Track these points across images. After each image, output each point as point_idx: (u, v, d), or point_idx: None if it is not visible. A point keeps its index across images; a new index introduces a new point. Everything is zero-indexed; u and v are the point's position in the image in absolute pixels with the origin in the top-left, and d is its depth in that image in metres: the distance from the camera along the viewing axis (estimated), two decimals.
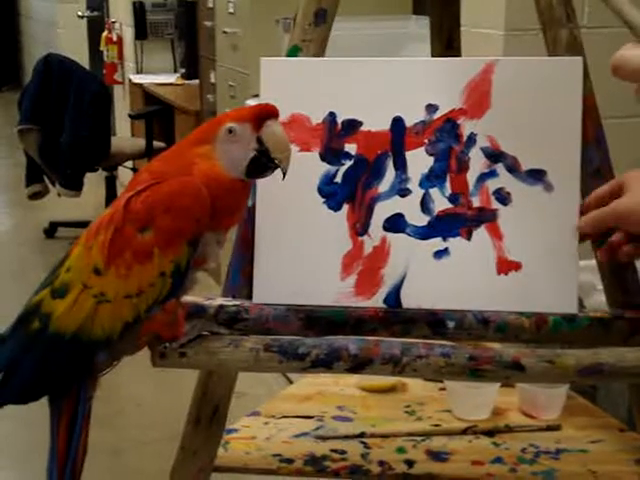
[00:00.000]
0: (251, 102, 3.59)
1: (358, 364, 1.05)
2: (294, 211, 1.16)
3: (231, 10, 3.87)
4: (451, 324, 1.13)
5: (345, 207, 1.15)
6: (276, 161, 1.03)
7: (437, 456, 1.41)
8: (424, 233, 1.14)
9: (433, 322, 1.13)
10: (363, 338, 1.07)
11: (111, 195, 5.04)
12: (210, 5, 4.19)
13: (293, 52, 1.23)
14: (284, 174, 1.05)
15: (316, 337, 1.08)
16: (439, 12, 1.51)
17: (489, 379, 1.06)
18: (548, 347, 1.07)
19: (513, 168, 1.13)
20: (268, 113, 1.04)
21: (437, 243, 1.13)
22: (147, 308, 1.01)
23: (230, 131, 1.02)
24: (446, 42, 1.52)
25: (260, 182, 1.14)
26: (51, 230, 5.08)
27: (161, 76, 5.61)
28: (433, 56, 1.53)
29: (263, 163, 1.04)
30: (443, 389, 1.59)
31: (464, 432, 1.48)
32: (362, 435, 1.46)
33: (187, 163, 1.03)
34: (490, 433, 1.48)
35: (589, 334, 1.12)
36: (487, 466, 1.38)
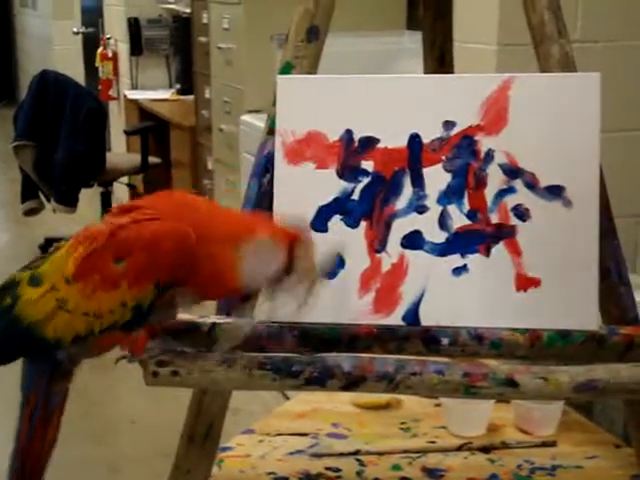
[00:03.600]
0: (246, 118, 3.59)
1: (352, 382, 1.04)
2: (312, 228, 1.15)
3: (225, 26, 3.87)
4: (445, 341, 1.12)
5: (362, 224, 1.15)
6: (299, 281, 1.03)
7: (433, 473, 1.40)
8: (442, 250, 1.13)
9: (427, 339, 1.13)
10: (356, 355, 1.07)
11: (106, 211, 5.02)
12: (205, 21, 4.20)
13: (286, 69, 1.24)
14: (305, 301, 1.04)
15: (310, 355, 1.07)
16: (431, 27, 1.52)
17: (483, 396, 1.05)
18: (543, 364, 1.07)
19: (531, 184, 1.12)
20: (302, 237, 1.03)
21: (455, 260, 1.13)
22: (102, 330, 1.02)
23: (261, 249, 1.01)
24: (438, 57, 1.52)
25: (277, 199, 1.15)
26: (46, 246, 5.05)
27: (156, 92, 5.61)
28: (426, 72, 1.53)
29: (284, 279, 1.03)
30: (438, 405, 1.59)
31: (459, 449, 1.47)
32: (357, 452, 1.45)
33: (205, 253, 1.00)
34: (485, 449, 1.47)
35: (584, 350, 1.12)
36: None
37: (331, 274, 1.14)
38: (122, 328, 1.02)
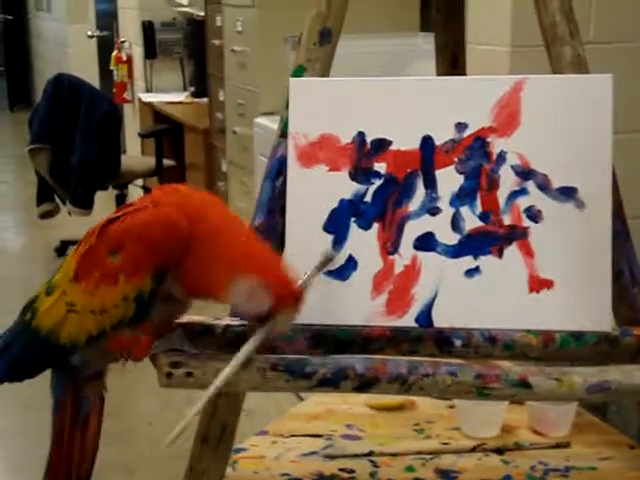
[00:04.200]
0: (260, 120, 3.60)
1: (365, 383, 1.05)
2: (324, 230, 1.16)
3: (239, 29, 3.89)
4: (458, 342, 1.12)
5: (375, 226, 1.15)
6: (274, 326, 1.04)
7: (446, 474, 1.40)
8: (455, 252, 1.13)
9: (440, 340, 1.13)
10: (369, 357, 1.07)
11: None
12: (218, 24, 4.21)
13: (298, 72, 1.24)
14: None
15: (323, 356, 1.08)
16: (443, 29, 1.52)
17: (496, 397, 1.05)
18: (556, 365, 1.07)
19: (544, 186, 1.12)
20: (294, 301, 1.02)
21: (468, 261, 1.13)
22: (112, 326, 1.03)
23: (252, 292, 1.01)
24: (451, 59, 1.52)
25: (289, 201, 1.16)
26: (62, 249, 5.09)
27: (170, 94, 5.63)
28: (438, 74, 1.53)
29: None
30: (452, 407, 1.59)
31: (473, 450, 1.47)
32: (371, 454, 1.46)
33: (200, 257, 1.01)
34: (499, 451, 1.47)
35: (596, 351, 1.12)
36: None
37: (342, 275, 1.15)
38: (130, 323, 1.02)
